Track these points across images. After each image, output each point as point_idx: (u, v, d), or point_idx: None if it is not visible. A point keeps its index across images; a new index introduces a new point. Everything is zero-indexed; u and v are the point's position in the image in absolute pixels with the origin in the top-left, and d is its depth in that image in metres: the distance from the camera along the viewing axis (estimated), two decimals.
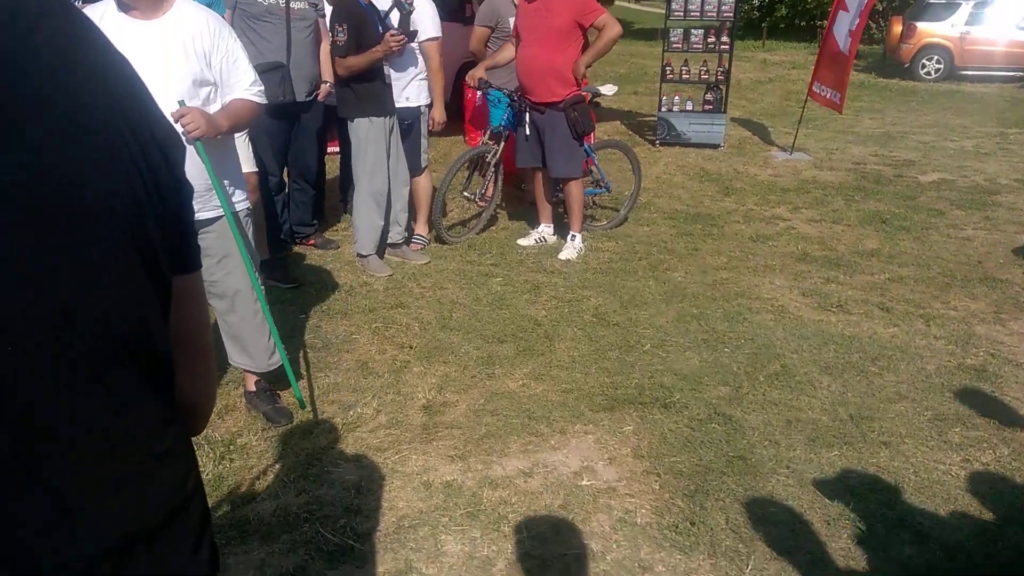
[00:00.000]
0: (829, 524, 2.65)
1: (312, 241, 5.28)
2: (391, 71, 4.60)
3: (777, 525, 2.63)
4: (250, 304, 2.97)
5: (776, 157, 8.49)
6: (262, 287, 2.99)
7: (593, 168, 5.90)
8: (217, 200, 2.74)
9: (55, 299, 0.72)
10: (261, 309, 3.00)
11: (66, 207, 0.72)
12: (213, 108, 2.70)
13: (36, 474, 0.73)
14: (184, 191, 0.87)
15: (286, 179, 5.01)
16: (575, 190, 5.23)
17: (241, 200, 2.90)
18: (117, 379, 0.79)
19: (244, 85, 2.77)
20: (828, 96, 8.26)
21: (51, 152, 0.72)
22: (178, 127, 2.56)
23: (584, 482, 2.83)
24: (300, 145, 4.79)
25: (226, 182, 2.80)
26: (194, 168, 2.62)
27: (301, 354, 3.72)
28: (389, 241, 5.00)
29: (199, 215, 2.69)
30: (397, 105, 4.75)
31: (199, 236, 2.71)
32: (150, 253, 0.80)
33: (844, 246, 5.63)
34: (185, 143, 2.59)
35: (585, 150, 5.37)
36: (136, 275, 0.79)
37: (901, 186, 7.26)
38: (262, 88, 2.85)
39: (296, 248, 5.23)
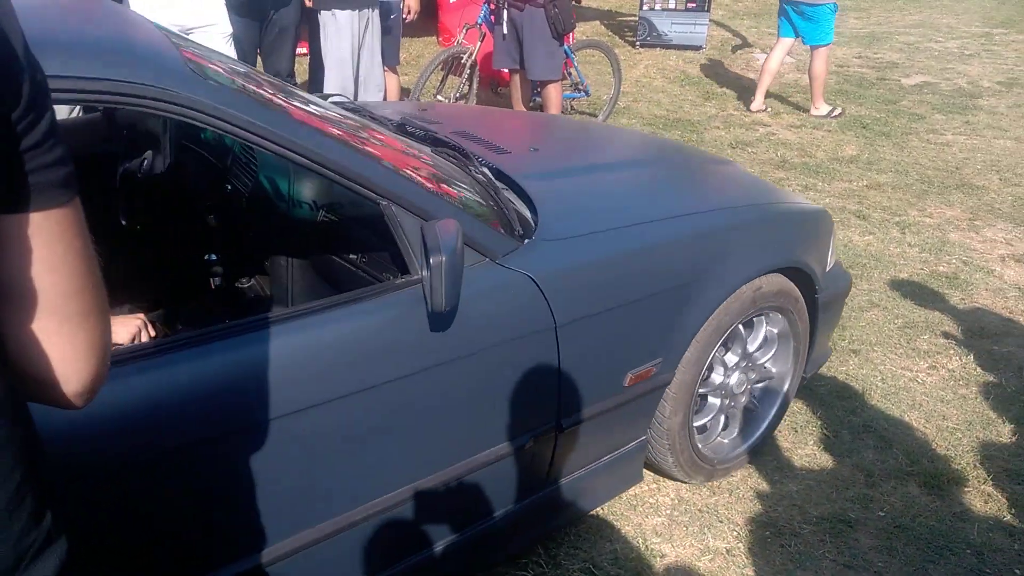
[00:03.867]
0: (796, 432, 2.70)
1: None
2: None
3: None
4: None
5: (759, 59, 8.27)
6: None
7: (572, 70, 5.74)
8: None
9: None
10: None
11: None
12: None
13: None
14: None
15: None
16: (554, 93, 5.09)
17: None
18: None
19: None
20: None
21: None
22: None
23: None
24: (270, 44, 4.39)
25: None
26: None
27: None
28: None
29: None
30: None
31: None
32: None
33: (823, 152, 5.57)
34: None
35: (564, 51, 5.20)
36: None
37: (884, 90, 7.15)
38: None
39: None
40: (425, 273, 1.47)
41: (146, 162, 2.16)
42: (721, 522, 2.31)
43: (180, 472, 1.34)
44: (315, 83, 4.93)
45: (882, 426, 2.74)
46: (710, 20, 8.83)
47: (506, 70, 5.31)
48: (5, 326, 0.68)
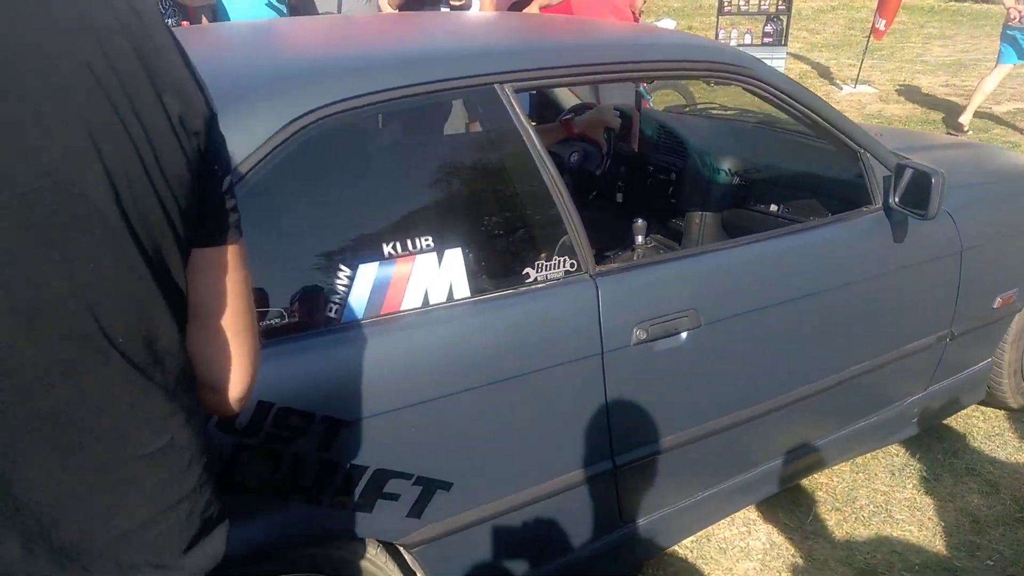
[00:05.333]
0: (893, 475, 2.60)
1: None
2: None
3: (839, 475, 2.59)
4: None
5: (840, 91, 8.16)
6: None
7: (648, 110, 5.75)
8: None
9: (26, 291, 0.67)
10: None
11: (29, 189, 0.66)
12: None
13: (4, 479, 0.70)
14: (207, 153, 0.79)
15: None
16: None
17: None
18: (99, 374, 0.73)
19: None
20: (873, 23, 7.80)
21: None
22: None
23: None
24: None
25: None
26: None
27: None
28: None
29: None
30: None
31: None
32: (144, 231, 0.73)
33: None
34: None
35: (640, 92, 5.22)
36: (124, 259, 0.72)
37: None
38: None
39: None
40: (894, 200, 2.11)
41: (575, 155, 2.85)
42: (818, 568, 2.24)
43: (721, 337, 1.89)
44: None
45: (987, 469, 2.61)
46: (788, 53, 8.74)
47: None
48: (191, 341, 0.83)
